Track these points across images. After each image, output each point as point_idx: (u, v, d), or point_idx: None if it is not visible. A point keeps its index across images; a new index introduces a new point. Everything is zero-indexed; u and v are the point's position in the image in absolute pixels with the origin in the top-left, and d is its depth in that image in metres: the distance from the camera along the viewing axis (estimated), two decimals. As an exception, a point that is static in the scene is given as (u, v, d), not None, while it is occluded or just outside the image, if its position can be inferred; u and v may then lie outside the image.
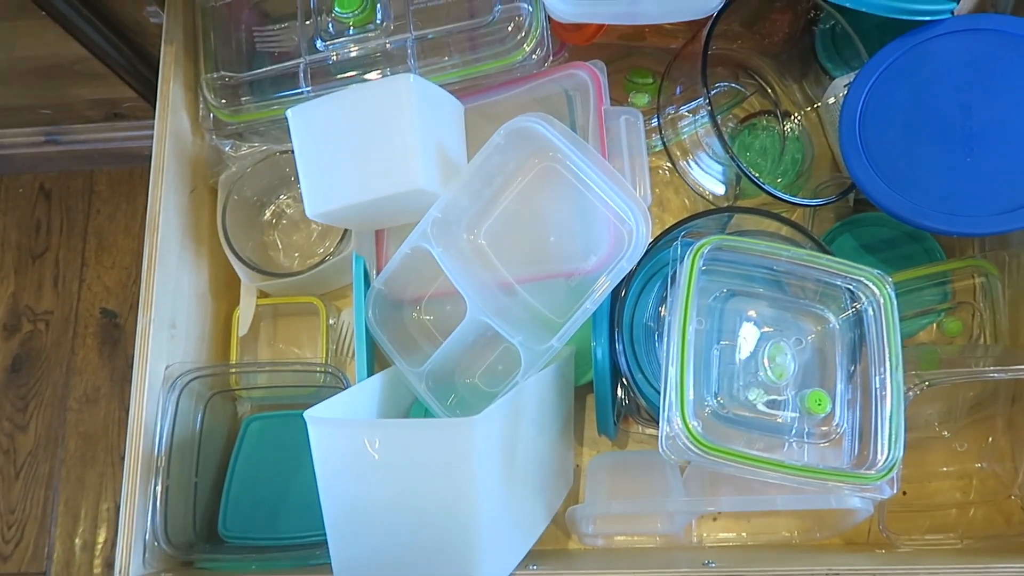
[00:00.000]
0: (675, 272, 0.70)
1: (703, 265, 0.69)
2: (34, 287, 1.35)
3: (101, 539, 1.24)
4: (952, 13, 0.78)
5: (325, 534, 0.67)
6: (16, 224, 1.38)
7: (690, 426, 0.63)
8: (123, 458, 0.79)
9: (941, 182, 0.74)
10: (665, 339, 0.67)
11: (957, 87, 0.76)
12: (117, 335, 1.32)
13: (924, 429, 0.84)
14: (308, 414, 0.66)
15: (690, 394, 0.64)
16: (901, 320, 0.70)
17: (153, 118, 0.88)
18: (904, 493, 0.83)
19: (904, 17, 0.77)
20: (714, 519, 0.84)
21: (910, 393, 0.71)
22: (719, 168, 0.88)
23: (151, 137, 0.87)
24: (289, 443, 0.89)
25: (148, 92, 1.10)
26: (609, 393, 0.78)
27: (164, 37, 0.90)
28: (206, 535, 0.86)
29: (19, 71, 1.08)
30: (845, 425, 0.70)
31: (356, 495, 0.67)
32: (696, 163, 0.88)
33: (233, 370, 0.93)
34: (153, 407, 0.81)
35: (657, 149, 0.90)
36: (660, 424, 0.65)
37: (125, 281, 1.34)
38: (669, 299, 0.70)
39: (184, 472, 0.84)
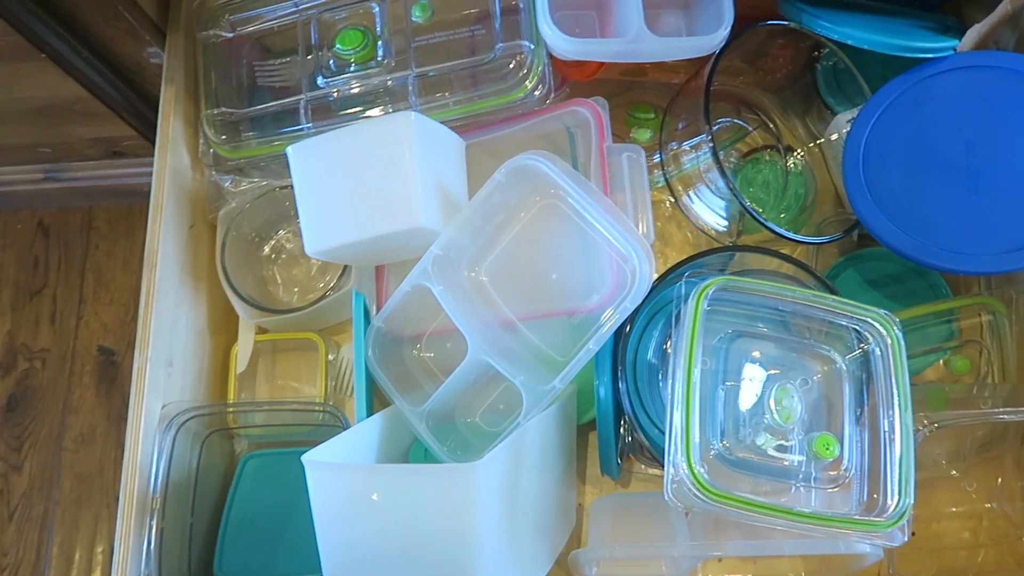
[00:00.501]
0: (679, 311, 0.69)
1: (707, 306, 0.67)
2: (31, 324, 1.33)
3: (95, 583, 1.22)
4: (954, 50, 0.78)
5: (322, 576, 0.66)
6: (14, 260, 1.37)
7: (696, 471, 0.62)
8: (119, 499, 0.78)
9: (946, 219, 0.74)
10: (670, 381, 0.66)
11: (960, 124, 0.76)
12: (114, 373, 1.30)
13: (932, 468, 0.83)
14: (306, 458, 0.64)
15: (696, 438, 0.63)
16: (908, 358, 0.69)
17: (152, 156, 0.87)
18: (913, 534, 0.81)
19: (906, 55, 0.77)
20: (719, 560, 0.83)
21: (918, 435, 0.69)
22: (722, 203, 0.87)
23: (150, 174, 0.87)
24: (287, 481, 0.88)
25: (147, 130, 1.10)
26: (612, 434, 0.77)
27: (164, 76, 0.90)
28: (202, 578, 0.85)
29: (19, 111, 1.08)
30: (854, 469, 0.68)
31: (355, 540, 0.65)
32: (699, 198, 0.87)
33: (230, 409, 0.92)
34: (149, 447, 0.80)
35: (660, 185, 0.90)
36: (665, 469, 0.63)
37: (123, 318, 1.33)
38: (673, 340, 0.69)
39: (180, 513, 0.83)
